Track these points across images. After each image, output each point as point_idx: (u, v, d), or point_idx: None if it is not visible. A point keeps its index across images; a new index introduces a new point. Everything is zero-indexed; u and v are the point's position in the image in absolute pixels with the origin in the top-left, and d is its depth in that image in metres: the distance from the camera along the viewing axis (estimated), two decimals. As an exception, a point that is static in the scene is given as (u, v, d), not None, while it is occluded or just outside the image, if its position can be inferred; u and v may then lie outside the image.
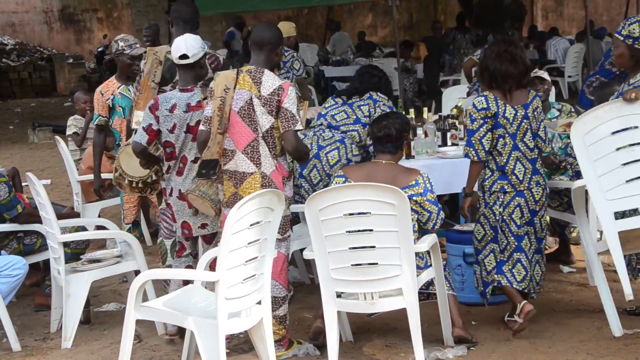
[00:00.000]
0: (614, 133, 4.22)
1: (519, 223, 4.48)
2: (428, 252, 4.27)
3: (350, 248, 4.05)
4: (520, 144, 4.47)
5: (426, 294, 4.41)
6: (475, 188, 4.58)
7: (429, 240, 4.20)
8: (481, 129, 4.41)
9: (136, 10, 16.06)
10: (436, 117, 6.33)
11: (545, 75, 5.85)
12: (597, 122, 4.23)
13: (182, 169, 4.59)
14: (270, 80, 4.27)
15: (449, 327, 4.38)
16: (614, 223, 4.29)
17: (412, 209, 4.09)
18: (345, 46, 16.55)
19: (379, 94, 5.47)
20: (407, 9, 21.62)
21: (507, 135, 4.43)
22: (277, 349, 4.28)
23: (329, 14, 18.63)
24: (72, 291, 4.75)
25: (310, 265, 5.33)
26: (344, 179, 4.31)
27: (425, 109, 6.51)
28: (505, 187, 4.46)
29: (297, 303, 5.13)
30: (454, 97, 8.55)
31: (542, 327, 4.61)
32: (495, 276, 4.53)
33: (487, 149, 4.43)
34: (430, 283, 4.35)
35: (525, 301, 4.43)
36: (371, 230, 4.02)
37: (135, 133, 4.79)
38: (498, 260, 4.53)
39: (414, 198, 4.21)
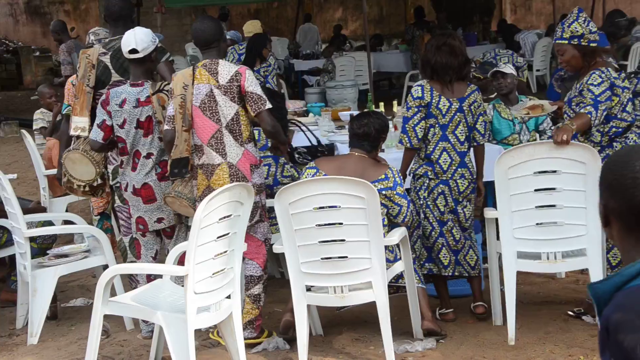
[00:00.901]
0: (537, 173, 4.15)
1: (442, 210, 4.62)
2: (398, 245, 4.28)
3: (320, 242, 4.05)
4: (450, 136, 4.58)
5: (396, 287, 4.43)
6: None
7: (399, 234, 4.21)
8: (415, 117, 4.54)
9: (104, 2, 15.94)
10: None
11: (507, 69, 5.89)
12: (524, 158, 4.14)
13: (137, 164, 4.54)
14: (226, 68, 4.28)
15: (418, 320, 4.40)
16: (515, 262, 4.24)
17: (381, 203, 4.10)
18: (312, 39, 16.52)
19: None
20: (377, 2, 21.64)
21: (437, 125, 4.57)
22: (249, 332, 4.34)
23: (299, 7, 18.60)
24: (38, 287, 4.70)
25: (279, 259, 5.32)
26: (315, 170, 4.30)
27: (395, 103, 6.53)
28: (429, 173, 4.60)
29: (267, 297, 5.11)
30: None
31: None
32: (426, 264, 4.68)
33: (420, 136, 4.56)
34: (399, 276, 4.37)
35: (452, 310, 4.70)
36: (341, 223, 4.02)
37: (75, 140, 4.77)
38: (425, 245, 4.67)
39: (384, 192, 4.22)
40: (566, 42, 4.40)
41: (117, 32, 4.83)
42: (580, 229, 4.13)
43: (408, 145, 4.56)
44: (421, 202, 4.63)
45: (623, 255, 1.74)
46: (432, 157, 4.58)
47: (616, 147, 4.38)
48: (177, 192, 4.31)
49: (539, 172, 4.16)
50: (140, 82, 4.51)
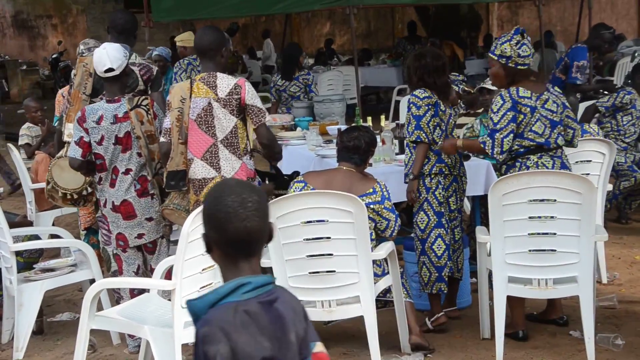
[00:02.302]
0: (531, 201, 4.14)
1: (452, 208, 4.74)
2: (385, 259, 4.28)
3: (307, 256, 4.04)
4: (450, 136, 4.78)
5: (383, 302, 4.42)
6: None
7: (387, 248, 4.21)
8: (427, 114, 4.63)
9: (91, 17, 15.92)
10: (393, 124, 6.36)
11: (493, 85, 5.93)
12: (518, 186, 4.13)
13: (115, 180, 4.53)
14: (225, 81, 4.28)
15: (406, 335, 4.39)
16: (505, 286, 4.21)
17: (369, 217, 4.10)
18: (269, 51, 16.69)
19: None
20: (365, 17, 21.73)
21: (442, 123, 4.69)
22: None
23: (286, 22, 18.66)
24: (24, 301, 4.66)
25: (267, 273, 5.30)
26: (303, 184, 4.30)
27: (383, 117, 6.55)
28: (444, 169, 4.68)
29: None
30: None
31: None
32: (448, 262, 4.71)
33: (433, 132, 4.65)
34: (387, 290, 4.36)
35: (443, 313, 4.70)
36: (329, 237, 4.02)
37: (67, 146, 4.76)
38: (447, 243, 4.69)
39: (372, 206, 4.22)
40: (495, 57, 4.49)
41: (119, 43, 4.83)
42: (572, 256, 4.14)
43: (426, 140, 4.61)
44: (439, 201, 4.67)
45: (222, 277, 1.99)
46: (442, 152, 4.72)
47: (517, 165, 4.41)
48: (175, 205, 4.33)
49: (534, 200, 4.15)
50: (116, 98, 4.50)
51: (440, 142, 4.59)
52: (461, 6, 14.65)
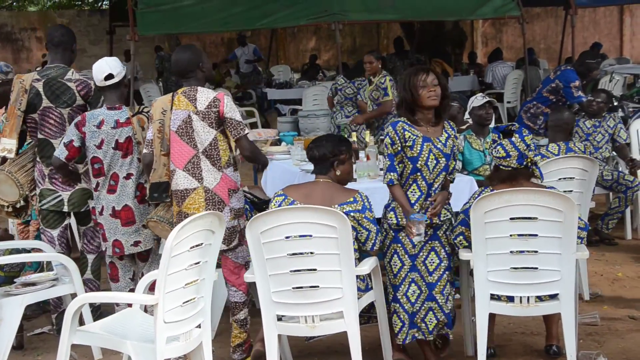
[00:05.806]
0: (512, 219, 4.12)
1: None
2: (369, 275, 4.27)
3: (291, 271, 4.03)
4: None
5: (367, 317, 4.41)
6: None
7: (370, 263, 4.20)
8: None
9: (77, 30, 15.90)
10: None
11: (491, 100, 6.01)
12: (500, 204, 4.11)
13: (114, 186, 4.61)
14: (204, 95, 4.34)
15: (390, 350, 4.38)
16: (487, 303, 4.19)
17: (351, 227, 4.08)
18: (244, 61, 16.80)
19: None
20: (350, 33, 21.80)
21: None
22: (239, 354, 4.42)
23: (272, 36, 18.71)
24: (4, 315, 4.61)
25: (251, 287, 5.28)
26: (283, 197, 4.28)
27: (368, 132, 6.56)
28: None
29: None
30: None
31: (481, 350, 4.64)
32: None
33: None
34: (371, 306, 4.35)
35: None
36: (312, 253, 4.01)
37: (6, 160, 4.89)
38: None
39: (352, 214, 4.19)
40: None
41: (56, 58, 4.97)
42: (554, 274, 4.15)
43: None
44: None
45: None
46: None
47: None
48: (159, 217, 4.40)
49: (516, 218, 4.14)
50: (117, 105, 4.64)
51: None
52: (446, 23, 14.74)
